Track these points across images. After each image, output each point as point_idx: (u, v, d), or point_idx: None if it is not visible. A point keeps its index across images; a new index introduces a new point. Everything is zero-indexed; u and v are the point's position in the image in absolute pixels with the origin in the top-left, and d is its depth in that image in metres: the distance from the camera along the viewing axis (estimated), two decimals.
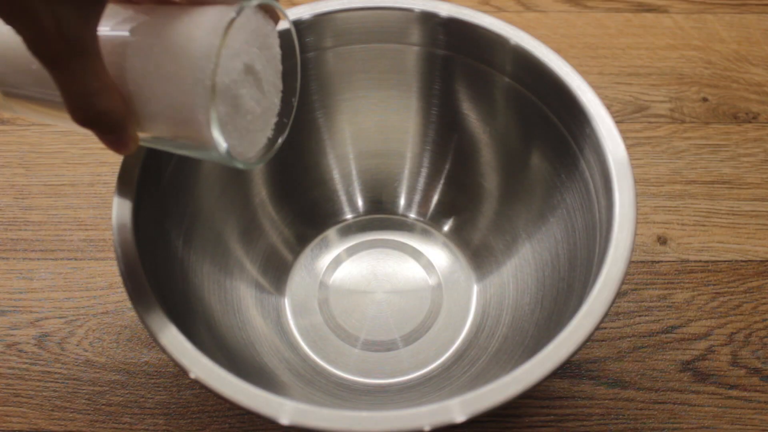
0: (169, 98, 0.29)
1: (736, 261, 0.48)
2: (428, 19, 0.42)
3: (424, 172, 0.50)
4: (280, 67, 0.33)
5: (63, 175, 0.53)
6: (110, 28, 0.29)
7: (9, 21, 0.25)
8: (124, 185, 0.36)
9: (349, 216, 0.51)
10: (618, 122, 0.53)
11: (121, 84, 0.29)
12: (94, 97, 0.27)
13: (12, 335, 0.46)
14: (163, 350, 0.32)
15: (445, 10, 0.41)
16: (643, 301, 0.47)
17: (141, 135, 0.31)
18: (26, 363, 0.45)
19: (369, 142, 0.49)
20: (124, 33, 0.29)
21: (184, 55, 0.28)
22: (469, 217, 0.49)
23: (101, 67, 0.27)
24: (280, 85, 0.33)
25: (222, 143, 0.29)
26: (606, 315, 0.32)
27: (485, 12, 0.41)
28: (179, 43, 0.28)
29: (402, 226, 0.50)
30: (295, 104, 0.35)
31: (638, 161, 0.53)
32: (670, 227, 0.50)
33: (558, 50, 0.40)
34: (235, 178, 0.45)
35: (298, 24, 0.41)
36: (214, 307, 0.41)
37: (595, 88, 0.39)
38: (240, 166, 0.31)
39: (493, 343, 0.43)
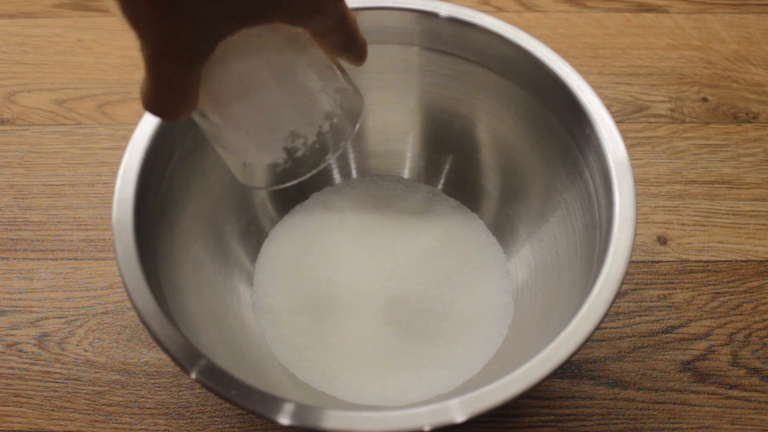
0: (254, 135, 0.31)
1: (736, 261, 0.48)
2: (428, 19, 0.42)
3: (423, 172, 0.50)
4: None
5: (63, 175, 0.53)
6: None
7: (137, 23, 0.25)
8: (124, 185, 0.36)
9: None
10: (618, 122, 0.53)
11: (216, 98, 0.30)
12: (173, 105, 0.28)
13: (12, 335, 0.46)
14: (163, 350, 0.32)
15: (445, 10, 0.41)
16: (643, 301, 0.47)
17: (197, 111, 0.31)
18: (26, 363, 0.45)
19: (369, 142, 0.49)
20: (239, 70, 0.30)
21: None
22: None
23: (197, 87, 0.27)
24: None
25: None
26: (606, 315, 0.32)
27: (485, 12, 0.41)
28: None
29: None
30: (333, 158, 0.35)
31: (638, 161, 0.53)
32: (670, 227, 0.50)
33: (558, 50, 0.40)
34: (235, 178, 0.45)
35: None
36: (215, 307, 0.41)
37: (595, 88, 0.39)
38: (256, 188, 0.34)
39: None
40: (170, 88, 0.26)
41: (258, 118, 0.31)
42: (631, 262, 0.46)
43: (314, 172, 0.33)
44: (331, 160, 0.34)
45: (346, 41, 0.31)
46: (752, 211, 0.51)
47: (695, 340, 0.45)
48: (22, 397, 0.44)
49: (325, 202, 0.48)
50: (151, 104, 0.27)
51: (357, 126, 0.34)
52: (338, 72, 0.33)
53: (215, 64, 0.28)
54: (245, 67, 0.29)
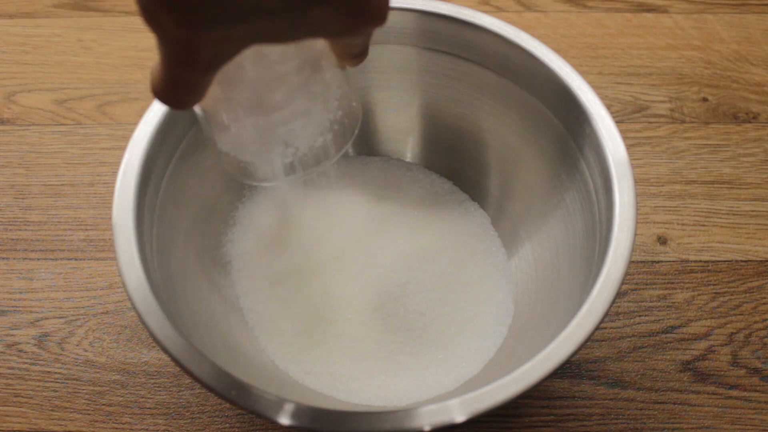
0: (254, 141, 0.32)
1: (736, 261, 0.48)
2: (428, 19, 0.42)
3: (424, 172, 0.50)
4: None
5: (63, 175, 0.53)
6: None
7: (158, 29, 0.24)
8: (124, 185, 0.36)
9: None
10: (618, 122, 0.53)
11: (221, 97, 0.30)
12: (183, 100, 0.27)
13: (12, 335, 0.46)
14: (163, 350, 0.32)
15: (445, 10, 0.41)
16: (643, 301, 0.47)
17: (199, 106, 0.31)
18: (26, 363, 0.45)
19: (369, 142, 0.49)
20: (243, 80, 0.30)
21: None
22: None
23: (208, 87, 0.27)
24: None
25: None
26: (606, 315, 0.32)
27: (485, 12, 0.41)
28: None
29: None
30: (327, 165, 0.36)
31: (638, 161, 0.53)
32: (670, 227, 0.50)
33: (558, 50, 0.40)
34: (235, 178, 0.45)
35: None
36: (214, 306, 0.41)
37: (595, 88, 0.39)
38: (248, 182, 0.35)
39: None
40: (182, 88, 0.27)
41: (256, 126, 0.31)
42: (631, 262, 0.46)
43: (292, 181, 0.34)
44: (312, 175, 0.34)
45: (361, 51, 0.31)
46: (752, 211, 0.51)
47: (695, 340, 0.45)
48: (22, 397, 0.44)
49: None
50: (161, 97, 0.27)
51: (346, 147, 0.34)
52: (345, 84, 0.33)
53: (230, 65, 0.28)
54: (259, 77, 0.29)
